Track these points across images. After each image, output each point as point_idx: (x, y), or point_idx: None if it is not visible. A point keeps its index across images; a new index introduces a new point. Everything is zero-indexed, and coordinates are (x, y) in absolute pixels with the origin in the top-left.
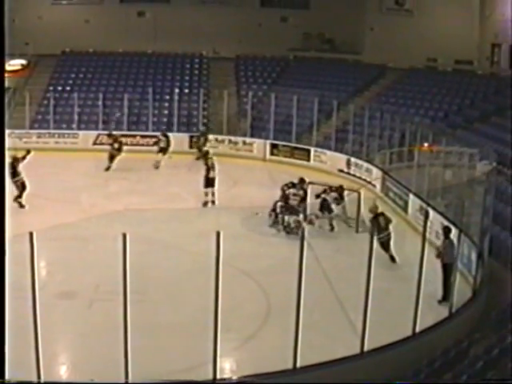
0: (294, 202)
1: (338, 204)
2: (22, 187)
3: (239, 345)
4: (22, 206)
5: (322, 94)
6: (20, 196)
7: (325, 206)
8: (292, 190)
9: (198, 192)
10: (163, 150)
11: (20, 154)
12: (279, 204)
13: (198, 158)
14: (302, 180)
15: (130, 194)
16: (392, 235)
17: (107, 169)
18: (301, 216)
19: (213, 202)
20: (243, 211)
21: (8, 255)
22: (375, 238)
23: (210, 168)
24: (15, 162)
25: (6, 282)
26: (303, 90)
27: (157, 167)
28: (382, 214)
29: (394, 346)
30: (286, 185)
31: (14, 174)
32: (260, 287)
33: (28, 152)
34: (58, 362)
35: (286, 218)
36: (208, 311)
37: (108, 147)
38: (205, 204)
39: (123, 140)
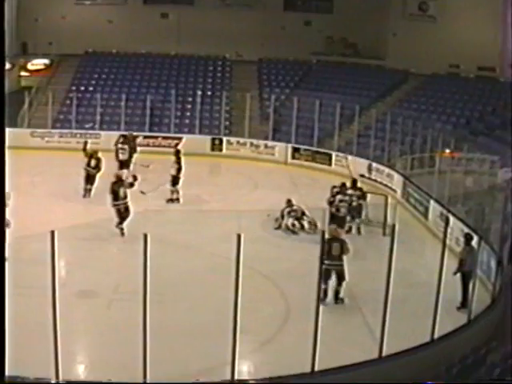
0: (342, 209)
1: (363, 200)
2: (125, 212)
3: (257, 347)
4: (123, 233)
5: (344, 99)
6: (121, 222)
7: (354, 209)
8: (339, 197)
9: (220, 194)
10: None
11: (126, 175)
12: (287, 210)
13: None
14: (344, 185)
15: (150, 195)
16: (345, 268)
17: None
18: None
19: (177, 200)
20: (263, 214)
21: (29, 253)
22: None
23: (180, 167)
24: (117, 182)
25: (5, 282)
26: (325, 94)
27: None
28: (341, 240)
29: (412, 351)
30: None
31: (116, 197)
32: (279, 290)
33: (135, 178)
34: (77, 360)
35: (290, 220)
36: (227, 313)
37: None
38: (169, 201)
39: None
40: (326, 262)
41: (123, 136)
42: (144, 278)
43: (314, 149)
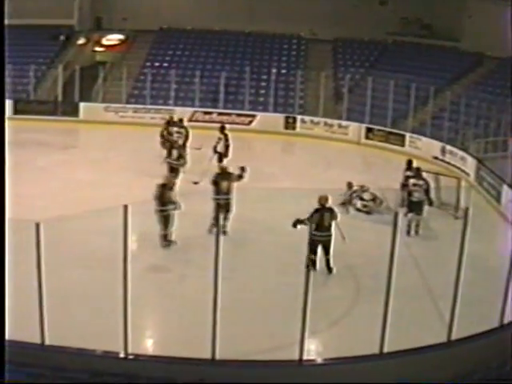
0: (416, 193)
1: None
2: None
3: (326, 327)
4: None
5: (418, 80)
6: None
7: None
8: (412, 181)
9: (294, 172)
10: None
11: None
12: (351, 193)
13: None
14: (414, 167)
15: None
16: (333, 237)
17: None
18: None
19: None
20: (336, 193)
21: (100, 227)
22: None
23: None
24: (221, 174)
25: (5, 279)
26: (400, 74)
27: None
28: (330, 209)
29: (481, 336)
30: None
31: (218, 190)
32: (350, 270)
33: (243, 170)
34: (146, 335)
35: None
36: (296, 292)
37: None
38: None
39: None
40: (318, 233)
41: (180, 120)
42: (216, 255)
43: (388, 129)
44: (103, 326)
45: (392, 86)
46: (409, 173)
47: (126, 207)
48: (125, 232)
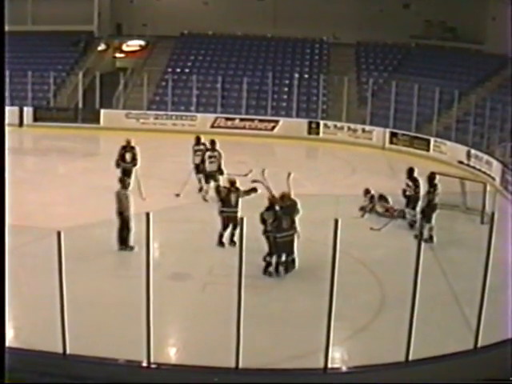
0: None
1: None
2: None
3: (351, 334)
4: (222, 244)
5: (442, 83)
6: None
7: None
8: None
9: (317, 178)
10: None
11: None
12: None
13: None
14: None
15: (246, 178)
16: (296, 236)
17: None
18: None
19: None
20: (361, 199)
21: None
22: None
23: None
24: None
25: (5, 281)
26: (424, 78)
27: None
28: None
29: (509, 342)
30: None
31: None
32: (375, 277)
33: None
34: (169, 343)
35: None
36: (321, 299)
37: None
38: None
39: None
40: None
41: (212, 142)
42: (239, 261)
43: (412, 134)
44: (125, 335)
45: (416, 90)
46: (408, 181)
47: (148, 215)
48: (147, 239)
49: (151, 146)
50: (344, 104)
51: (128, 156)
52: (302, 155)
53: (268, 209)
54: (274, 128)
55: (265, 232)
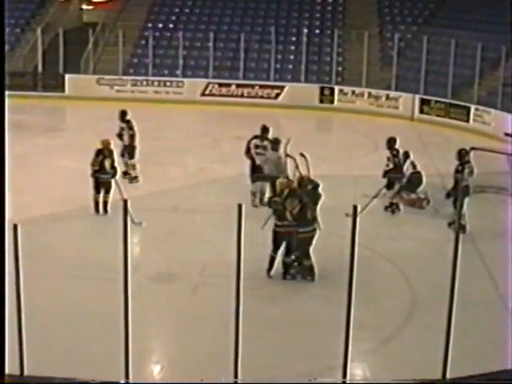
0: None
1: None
2: None
3: (375, 346)
4: None
5: (486, 38)
6: None
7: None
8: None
9: (331, 156)
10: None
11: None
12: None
13: None
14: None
15: (245, 157)
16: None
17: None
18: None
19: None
20: (385, 181)
21: (93, 227)
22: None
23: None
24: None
25: (5, 279)
26: (463, 32)
27: None
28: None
29: None
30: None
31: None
32: (403, 275)
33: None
34: (152, 359)
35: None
36: (337, 303)
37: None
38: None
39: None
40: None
41: (264, 128)
42: (238, 258)
43: (448, 101)
44: (99, 350)
45: (453, 47)
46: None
47: (125, 202)
48: (125, 233)
49: (129, 119)
50: (364, 65)
51: (107, 162)
52: (312, 128)
53: (290, 194)
54: (278, 96)
55: (279, 226)
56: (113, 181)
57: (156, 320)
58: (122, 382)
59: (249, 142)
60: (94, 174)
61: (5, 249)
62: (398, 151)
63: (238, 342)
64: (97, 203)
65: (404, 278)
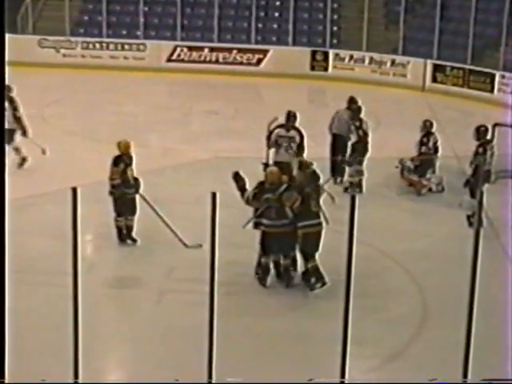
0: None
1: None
2: None
3: (379, 364)
4: None
5: None
6: None
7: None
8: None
9: (326, 135)
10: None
11: None
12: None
13: None
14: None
15: (220, 136)
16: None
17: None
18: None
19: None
20: (390, 164)
21: (38, 220)
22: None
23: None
24: None
25: (5, 278)
26: None
27: None
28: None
29: None
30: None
31: None
32: (412, 279)
33: None
34: (107, 379)
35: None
36: (334, 314)
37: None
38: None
39: None
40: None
41: (289, 114)
42: (211, 258)
43: (468, 67)
44: (48, 366)
45: (473, 0)
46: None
47: (74, 191)
48: (74, 228)
49: (79, 90)
50: (364, 24)
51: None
52: (302, 101)
53: (289, 186)
54: (260, 62)
55: (270, 226)
56: (137, 197)
57: (113, 334)
58: None
59: (270, 132)
60: (117, 188)
61: (5, 249)
62: (361, 120)
63: (211, 361)
64: (120, 229)
65: (413, 282)
